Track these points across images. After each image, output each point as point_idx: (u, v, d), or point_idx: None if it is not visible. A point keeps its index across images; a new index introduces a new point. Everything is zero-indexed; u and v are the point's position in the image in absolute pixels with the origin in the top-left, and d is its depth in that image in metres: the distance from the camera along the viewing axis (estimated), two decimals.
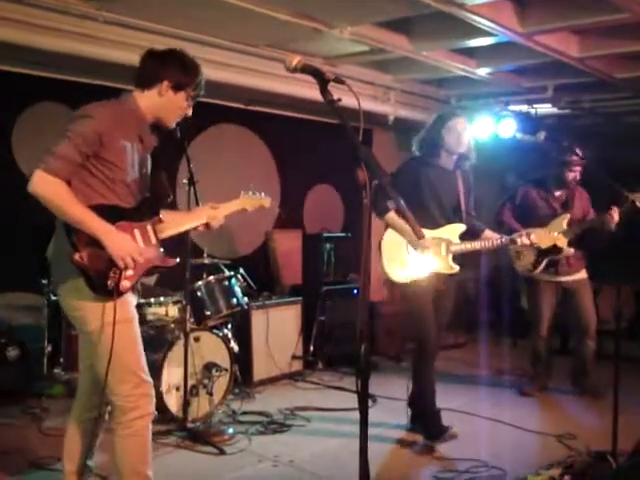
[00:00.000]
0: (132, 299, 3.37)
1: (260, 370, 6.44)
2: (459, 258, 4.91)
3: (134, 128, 3.31)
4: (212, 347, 5.29)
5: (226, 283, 5.55)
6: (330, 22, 5.38)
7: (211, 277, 5.50)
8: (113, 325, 3.09)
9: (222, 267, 5.77)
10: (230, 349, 5.42)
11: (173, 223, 3.50)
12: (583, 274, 6.19)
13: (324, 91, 2.42)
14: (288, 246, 7.80)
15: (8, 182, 5.78)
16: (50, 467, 4.30)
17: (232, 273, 5.69)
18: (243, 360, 6.07)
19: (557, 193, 6.16)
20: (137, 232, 3.29)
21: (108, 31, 5.36)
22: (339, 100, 2.40)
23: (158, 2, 5.01)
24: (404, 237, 4.75)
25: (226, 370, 5.29)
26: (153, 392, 3.31)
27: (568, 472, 4.18)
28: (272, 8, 5.01)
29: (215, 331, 5.43)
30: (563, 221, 5.83)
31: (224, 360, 5.32)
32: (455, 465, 4.51)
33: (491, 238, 4.97)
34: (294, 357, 6.87)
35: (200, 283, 5.40)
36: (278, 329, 6.65)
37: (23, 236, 5.71)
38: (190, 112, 3.46)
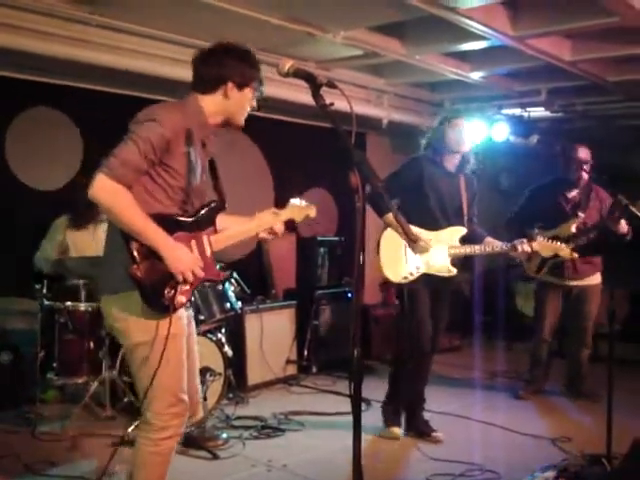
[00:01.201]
0: (183, 313, 3.20)
1: (254, 374, 6.43)
2: (456, 261, 4.92)
3: (197, 133, 3.11)
4: (206, 352, 5.27)
5: (220, 287, 5.53)
6: (323, 26, 5.38)
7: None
8: (165, 341, 2.94)
9: None
10: (224, 354, 5.41)
11: (229, 233, 3.34)
12: (593, 280, 6.11)
13: (316, 95, 2.42)
14: (282, 250, 7.79)
15: (1, 186, 5.78)
16: (44, 472, 4.28)
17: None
18: (237, 364, 6.06)
19: (571, 194, 6.06)
20: (194, 243, 3.13)
21: (100, 35, 5.35)
22: (331, 104, 2.40)
23: (151, 6, 5.00)
24: (403, 238, 4.69)
25: (220, 375, 5.28)
26: (188, 414, 3.16)
27: (563, 475, 4.19)
28: (265, 12, 5.02)
29: (209, 336, 5.42)
30: (572, 225, 5.77)
31: (218, 365, 5.31)
32: (450, 468, 4.50)
33: (492, 243, 4.94)
34: (288, 361, 6.87)
35: None
36: (272, 333, 6.65)
37: (17, 240, 5.69)
38: (255, 104, 3.29)
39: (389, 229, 4.83)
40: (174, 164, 3.00)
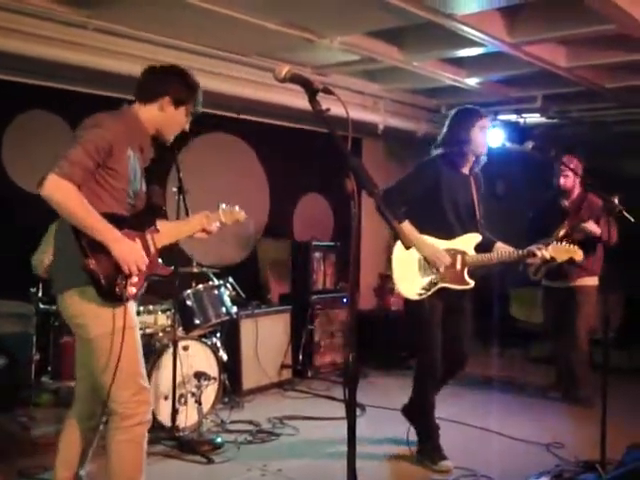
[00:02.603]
0: (133, 307, 3.41)
1: (249, 379, 6.43)
2: (474, 271, 4.66)
3: (137, 139, 3.38)
4: (201, 356, 5.28)
5: (215, 292, 5.53)
6: (320, 32, 5.40)
7: (200, 286, 5.48)
8: (123, 331, 3.16)
9: (211, 276, 5.76)
10: (219, 358, 5.41)
11: (169, 233, 3.58)
12: (582, 282, 6.20)
13: (313, 101, 2.43)
14: (277, 255, 7.80)
15: None
16: (38, 476, 4.27)
17: (221, 282, 5.67)
18: (232, 369, 6.05)
19: (565, 203, 6.26)
20: (138, 241, 3.36)
21: (97, 39, 5.36)
22: (327, 110, 2.40)
23: (148, 10, 5.01)
24: (419, 250, 4.52)
25: (215, 379, 5.27)
26: (151, 400, 3.38)
27: None
28: (262, 17, 5.03)
29: (204, 340, 5.42)
30: (560, 232, 5.94)
31: (213, 369, 5.31)
32: (444, 474, 4.51)
33: (507, 250, 4.66)
34: (283, 366, 6.87)
35: (189, 292, 5.39)
36: (267, 338, 6.65)
37: (12, 244, 5.68)
38: (188, 127, 3.53)
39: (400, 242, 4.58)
40: (117, 167, 3.24)
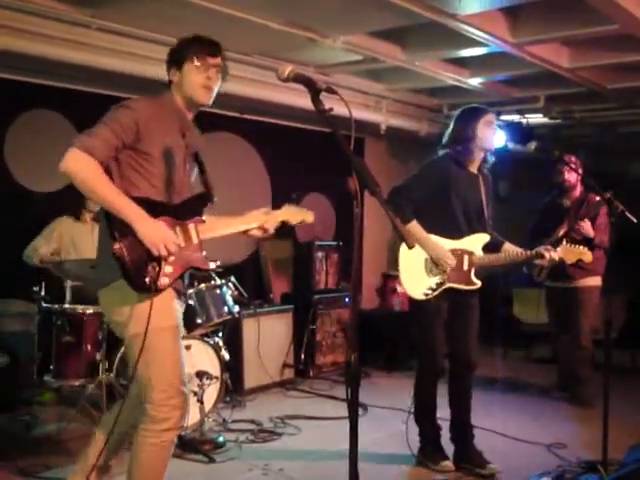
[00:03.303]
0: (178, 306, 3.25)
1: (251, 378, 6.44)
2: (480, 272, 4.58)
3: (175, 122, 3.23)
4: (203, 355, 5.27)
5: (217, 291, 5.53)
6: (323, 31, 5.40)
7: (202, 285, 5.48)
8: (146, 327, 2.97)
9: (213, 275, 5.76)
10: (221, 357, 5.40)
11: (217, 225, 3.37)
12: (585, 282, 6.20)
13: (316, 100, 2.43)
14: (280, 254, 7.80)
15: (0, 188, 5.79)
16: (40, 475, 4.27)
17: (223, 281, 5.67)
18: (234, 368, 6.05)
19: (567, 202, 6.26)
20: (178, 229, 3.16)
21: (100, 38, 5.37)
22: (331, 110, 2.40)
23: (152, 10, 5.01)
24: (426, 250, 4.47)
25: (217, 378, 5.27)
26: (188, 406, 3.19)
27: None
28: (265, 17, 5.03)
29: (206, 339, 5.41)
30: (560, 231, 5.96)
31: (215, 368, 5.30)
32: (446, 474, 4.51)
33: (515, 251, 4.56)
34: (285, 365, 6.87)
35: (191, 291, 5.38)
36: (269, 337, 6.65)
37: (14, 242, 5.69)
38: (213, 81, 3.22)
39: None
40: (152, 151, 3.08)
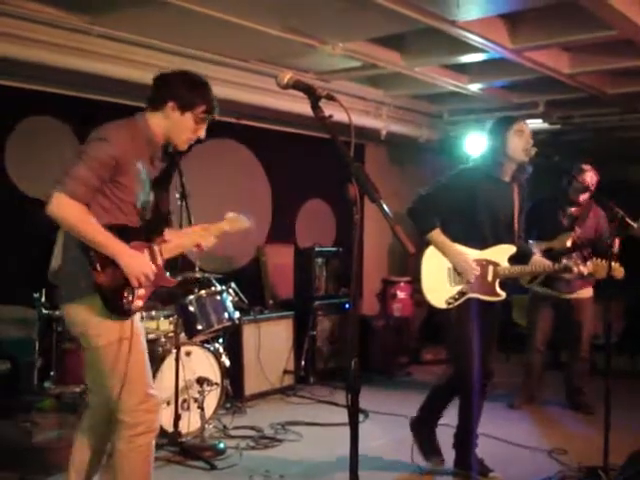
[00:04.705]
0: (138, 315, 3.40)
1: (251, 385, 6.44)
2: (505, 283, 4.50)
3: (147, 150, 3.32)
4: (203, 361, 5.28)
5: (218, 297, 5.53)
6: (322, 38, 5.40)
7: (202, 291, 5.48)
8: (130, 341, 3.16)
9: (214, 281, 5.76)
10: (221, 363, 5.41)
11: (174, 244, 3.55)
12: (584, 293, 6.16)
13: (315, 107, 2.43)
14: (280, 260, 7.80)
15: (0, 194, 5.79)
16: None
17: (224, 287, 5.67)
18: (234, 374, 6.05)
19: (571, 210, 6.14)
20: (146, 252, 3.34)
21: (101, 45, 5.37)
22: (330, 117, 2.41)
23: (151, 17, 5.01)
24: (449, 259, 4.37)
25: (217, 384, 5.27)
26: (159, 409, 3.33)
27: None
28: (265, 23, 5.03)
29: (206, 345, 5.42)
30: (567, 240, 5.84)
31: (215, 374, 5.31)
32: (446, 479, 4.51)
33: (543, 263, 4.48)
34: (285, 372, 6.86)
35: (191, 297, 5.38)
36: (269, 344, 6.65)
37: (15, 249, 5.69)
38: (203, 134, 3.42)
39: (431, 247, 4.40)
40: (125, 181, 3.20)
